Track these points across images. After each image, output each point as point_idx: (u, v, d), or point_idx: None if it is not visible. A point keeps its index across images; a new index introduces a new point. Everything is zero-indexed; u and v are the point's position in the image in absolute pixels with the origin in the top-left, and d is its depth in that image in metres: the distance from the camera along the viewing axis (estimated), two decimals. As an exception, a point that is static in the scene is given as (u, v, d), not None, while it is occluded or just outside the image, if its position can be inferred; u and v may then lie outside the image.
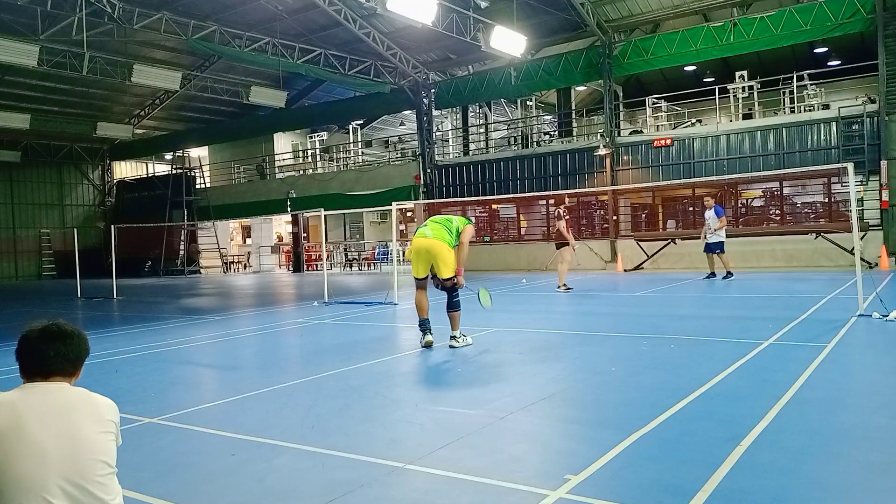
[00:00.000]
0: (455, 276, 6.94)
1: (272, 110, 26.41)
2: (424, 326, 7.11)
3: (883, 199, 16.54)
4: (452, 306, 7.04)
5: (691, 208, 20.61)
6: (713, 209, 14.42)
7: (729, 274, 14.36)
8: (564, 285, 13.16)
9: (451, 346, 6.98)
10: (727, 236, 14.71)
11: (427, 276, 7.11)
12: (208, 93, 25.80)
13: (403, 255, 7.52)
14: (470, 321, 8.45)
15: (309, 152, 31.43)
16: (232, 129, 30.63)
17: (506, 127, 28.91)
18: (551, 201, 22.65)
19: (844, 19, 17.11)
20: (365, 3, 16.07)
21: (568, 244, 13.10)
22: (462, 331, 7.12)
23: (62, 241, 31.19)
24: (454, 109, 26.97)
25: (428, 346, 7.03)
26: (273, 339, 8.69)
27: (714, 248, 14.42)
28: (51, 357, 2.15)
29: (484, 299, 7.46)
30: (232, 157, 32.36)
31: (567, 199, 13.77)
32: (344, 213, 27.93)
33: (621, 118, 23.40)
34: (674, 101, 23.17)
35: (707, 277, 14.55)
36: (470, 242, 7.15)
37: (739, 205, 20.46)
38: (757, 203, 20.87)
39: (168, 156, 35.05)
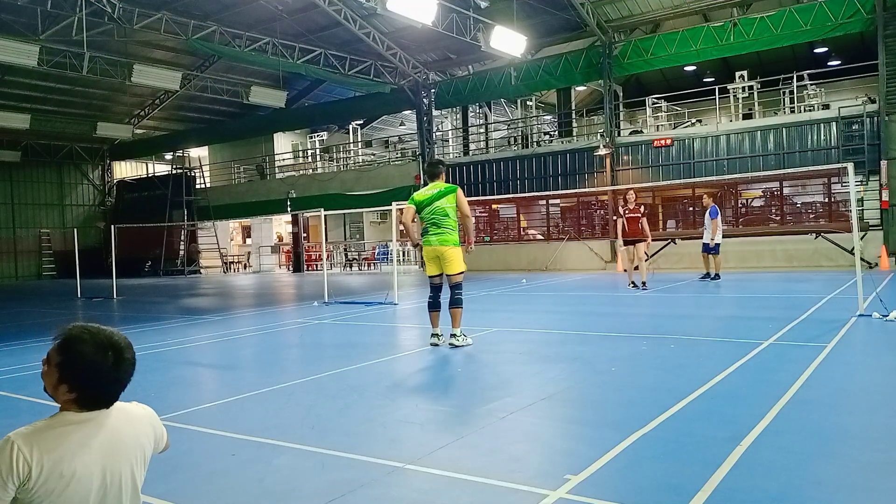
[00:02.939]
0: (461, 273, 7.19)
1: (272, 110, 26.42)
2: (433, 332, 7.27)
3: (883, 199, 16.54)
4: (455, 303, 7.05)
5: (691, 208, 20.61)
6: (710, 209, 14.36)
7: (707, 276, 14.31)
8: (641, 282, 12.97)
9: (451, 345, 6.99)
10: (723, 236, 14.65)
11: (440, 275, 7.28)
12: (208, 93, 25.80)
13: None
14: (470, 321, 8.44)
15: (309, 152, 31.44)
16: (232, 129, 30.64)
17: (506, 127, 28.92)
18: (552, 201, 22.69)
19: (844, 19, 17.11)
20: (365, 3, 16.08)
21: (644, 240, 12.95)
22: (463, 330, 7.12)
23: (62, 241, 31.20)
24: (454, 109, 26.97)
25: (435, 345, 7.14)
26: (273, 339, 8.69)
27: (707, 249, 14.35)
28: (123, 387, 1.84)
29: None
30: (232, 157, 32.37)
31: (634, 194, 13.43)
32: (344, 213, 27.92)
33: (621, 118, 23.40)
34: (674, 101, 23.17)
35: (712, 279, 14.40)
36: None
37: (739, 205, 20.46)
38: (757, 203, 20.86)
39: (168, 156, 35.08)
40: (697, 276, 15.27)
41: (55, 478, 1.68)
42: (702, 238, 14.62)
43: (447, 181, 7.63)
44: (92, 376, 1.77)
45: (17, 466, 1.63)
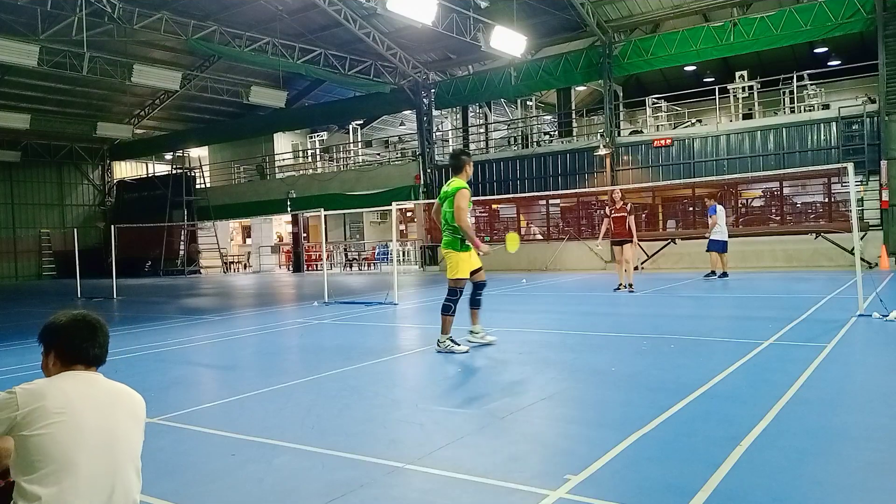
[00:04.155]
0: (456, 279, 6.87)
1: (272, 110, 26.42)
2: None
3: (883, 199, 16.54)
4: (442, 308, 6.80)
5: (691, 208, 20.61)
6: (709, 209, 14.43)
7: (712, 273, 14.33)
8: (626, 285, 12.72)
9: (437, 350, 6.78)
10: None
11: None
12: (208, 93, 25.81)
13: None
14: (470, 321, 8.43)
15: (309, 152, 31.45)
16: (232, 129, 30.64)
17: (506, 127, 28.92)
18: (552, 201, 22.69)
19: (844, 19, 17.11)
20: (365, 3, 16.09)
21: (631, 241, 12.70)
22: (452, 338, 6.78)
23: (62, 241, 31.20)
24: (454, 109, 26.97)
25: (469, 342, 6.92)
26: (273, 340, 8.68)
27: (710, 248, 14.40)
28: (96, 348, 2.32)
29: (510, 245, 7.56)
30: (232, 157, 32.38)
31: (621, 193, 13.14)
32: (344, 213, 27.93)
33: (621, 118, 23.40)
34: (674, 101, 23.17)
35: (720, 276, 14.42)
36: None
37: (739, 205, 20.46)
38: (757, 203, 20.86)
39: (168, 156, 35.08)
40: (697, 276, 15.29)
41: (45, 413, 2.07)
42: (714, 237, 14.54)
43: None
44: (69, 332, 2.29)
45: (11, 406, 2.07)
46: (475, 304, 7.04)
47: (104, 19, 18.20)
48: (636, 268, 13.16)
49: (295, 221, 28.17)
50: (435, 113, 25.63)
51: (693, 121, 21.79)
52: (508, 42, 17.33)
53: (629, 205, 13.14)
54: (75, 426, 2.09)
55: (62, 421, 2.07)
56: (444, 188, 7.00)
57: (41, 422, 2.05)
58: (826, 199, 18.81)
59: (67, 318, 2.32)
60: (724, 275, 14.41)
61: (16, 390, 2.12)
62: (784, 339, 6.76)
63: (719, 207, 14.45)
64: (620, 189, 13.56)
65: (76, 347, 2.28)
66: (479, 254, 6.91)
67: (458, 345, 6.79)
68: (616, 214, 12.76)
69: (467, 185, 6.92)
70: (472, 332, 7.07)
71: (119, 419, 2.20)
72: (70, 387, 2.18)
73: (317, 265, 28.36)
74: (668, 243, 19.09)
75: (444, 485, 3.20)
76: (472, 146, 26.97)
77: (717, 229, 14.22)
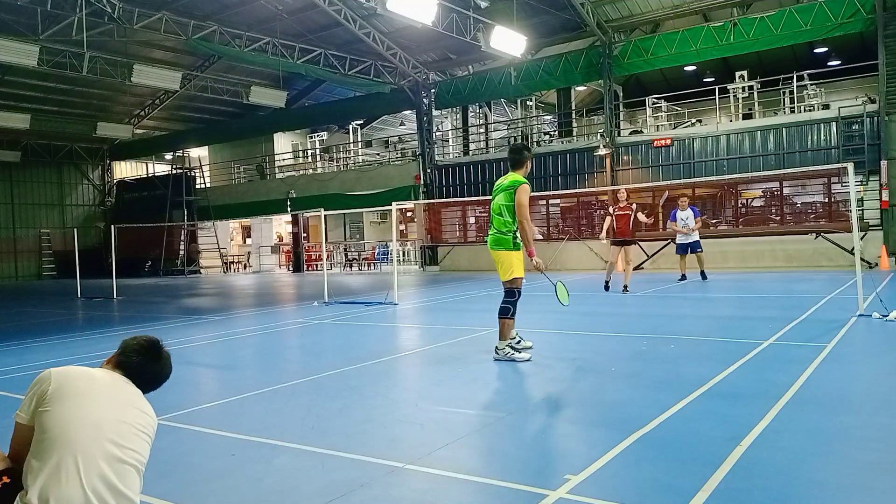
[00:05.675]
0: (512, 279, 6.23)
1: (272, 110, 26.43)
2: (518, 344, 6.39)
3: (883, 199, 16.54)
4: (500, 311, 6.24)
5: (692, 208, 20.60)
6: (689, 209, 14.41)
7: (704, 275, 14.34)
8: (607, 282, 12.73)
9: (495, 358, 6.21)
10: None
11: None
12: (208, 93, 25.80)
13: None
14: (470, 321, 8.44)
15: (309, 152, 31.45)
16: (232, 129, 30.65)
17: (506, 127, 28.92)
18: (552, 201, 22.67)
19: (844, 19, 17.11)
20: (365, 3, 16.10)
21: (633, 242, 12.55)
22: (512, 344, 6.27)
23: (62, 241, 31.21)
24: (454, 109, 26.97)
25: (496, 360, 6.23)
26: (273, 339, 8.69)
27: (695, 248, 14.43)
28: (150, 385, 2.70)
29: (561, 295, 6.56)
30: (232, 157, 32.38)
31: (626, 192, 12.99)
32: (344, 213, 27.93)
33: (621, 118, 23.40)
34: (674, 101, 23.17)
35: (680, 280, 14.41)
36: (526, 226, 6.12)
37: (739, 205, 20.46)
38: (757, 203, 20.86)
39: (168, 156, 35.09)
40: (697, 275, 15.27)
41: (68, 392, 2.29)
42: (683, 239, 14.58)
43: (531, 170, 6.47)
44: (136, 346, 2.60)
45: (46, 381, 2.33)
46: (503, 312, 6.25)
47: (104, 19, 18.21)
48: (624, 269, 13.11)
49: (295, 221, 28.17)
50: (435, 113, 25.62)
51: (693, 121, 21.78)
52: (508, 42, 17.33)
53: (634, 204, 13.10)
54: (90, 412, 2.26)
55: (78, 404, 2.25)
56: (500, 181, 6.30)
57: (61, 401, 2.24)
58: (826, 199, 18.81)
59: (149, 340, 2.64)
60: (683, 277, 14.42)
61: (51, 371, 2.36)
62: (784, 339, 6.75)
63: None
64: (626, 188, 13.53)
65: (142, 373, 2.61)
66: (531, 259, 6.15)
67: (520, 352, 6.20)
68: (619, 213, 12.68)
69: (526, 181, 6.23)
70: (497, 347, 6.26)
71: (132, 420, 2.38)
72: (101, 380, 2.40)
73: (317, 265, 28.36)
74: (668, 243, 19.07)
75: (444, 485, 3.20)
76: (472, 146, 26.98)
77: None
